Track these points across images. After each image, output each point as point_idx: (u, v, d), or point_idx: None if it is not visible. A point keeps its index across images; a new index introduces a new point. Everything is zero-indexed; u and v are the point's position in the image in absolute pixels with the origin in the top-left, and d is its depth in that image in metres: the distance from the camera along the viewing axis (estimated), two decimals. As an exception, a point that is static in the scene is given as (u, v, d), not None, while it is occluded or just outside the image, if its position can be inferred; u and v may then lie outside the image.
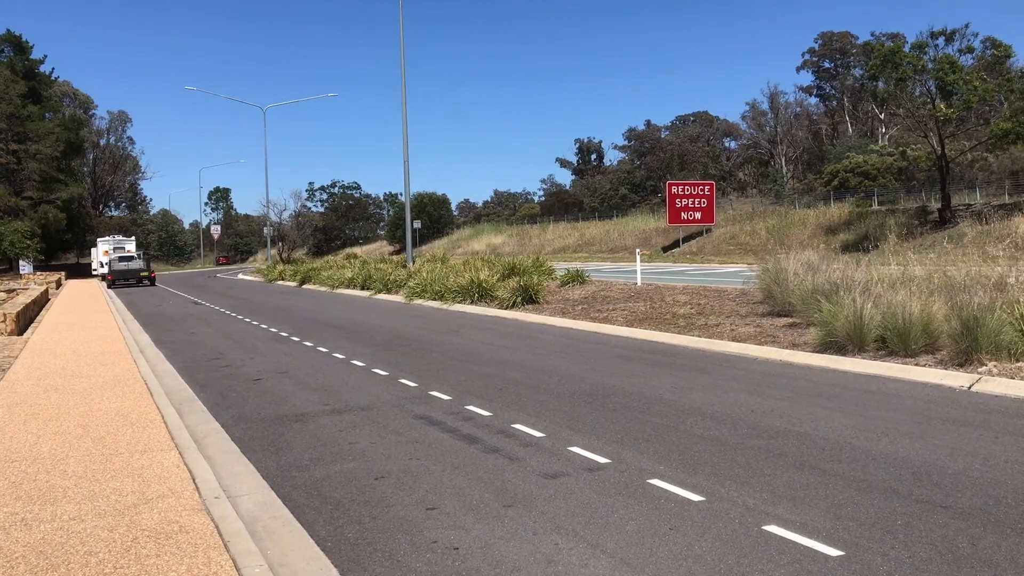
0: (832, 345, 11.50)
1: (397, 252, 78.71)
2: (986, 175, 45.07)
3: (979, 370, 9.53)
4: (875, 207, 40.50)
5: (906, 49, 29.44)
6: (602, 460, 6.87)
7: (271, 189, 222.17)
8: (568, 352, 13.47)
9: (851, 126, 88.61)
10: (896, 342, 10.65)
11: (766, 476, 6.25)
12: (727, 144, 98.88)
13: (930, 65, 29.42)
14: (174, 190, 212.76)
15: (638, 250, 25.70)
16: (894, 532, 5.00)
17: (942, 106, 28.70)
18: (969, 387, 9.12)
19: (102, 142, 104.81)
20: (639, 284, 22.89)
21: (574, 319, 17.82)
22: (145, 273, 50.39)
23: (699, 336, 13.99)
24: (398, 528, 5.51)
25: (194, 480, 6.56)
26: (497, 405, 9.32)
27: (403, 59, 34.98)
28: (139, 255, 54.83)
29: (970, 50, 29.93)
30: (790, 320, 14.22)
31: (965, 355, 9.77)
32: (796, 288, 14.23)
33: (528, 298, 20.85)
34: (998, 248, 21.62)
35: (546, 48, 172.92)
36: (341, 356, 14.05)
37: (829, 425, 7.76)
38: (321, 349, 15.12)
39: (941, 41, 29.98)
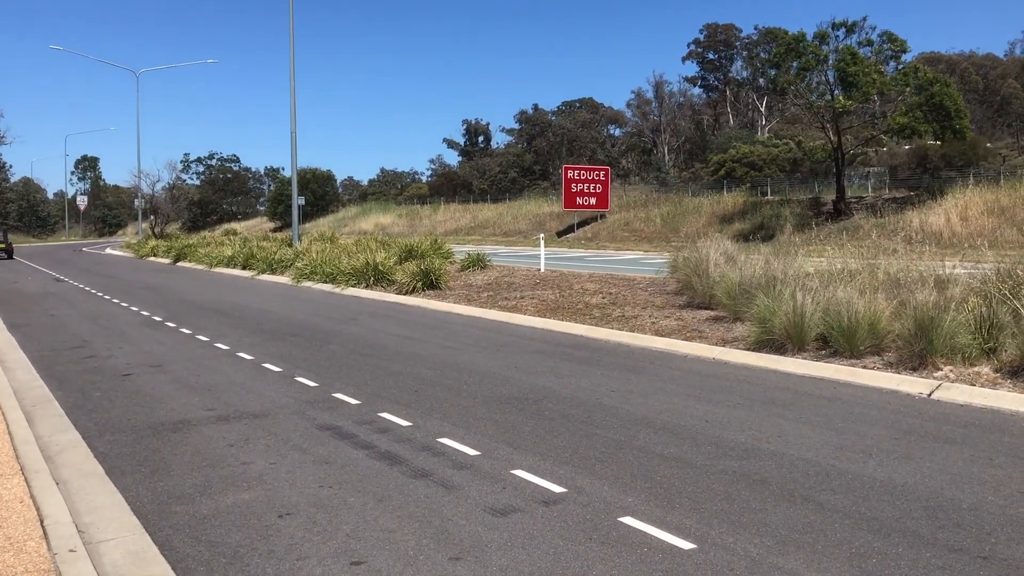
0: (769, 343, 10.74)
1: (278, 229, 75.69)
2: (865, 170, 46.30)
3: (935, 375, 8.89)
4: (768, 197, 40.86)
5: (809, 39, 29.50)
6: (556, 489, 5.76)
7: (144, 159, 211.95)
8: (482, 345, 12.32)
9: (732, 117, 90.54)
10: (841, 342, 9.95)
11: (755, 512, 5.27)
12: (612, 131, 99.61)
13: (832, 56, 29.61)
14: (37, 157, 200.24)
15: (542, 235, 24.74)
16: (942, 596, 4.08)
17: (841, 97, 28.89)
18: (929, 394, 8.45)
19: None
20: (543, 270, 21.92)
21: (481, 307, 16.67)
22: (2, 246, 46.35)
23: (619, 329, 13.08)
24: (318, 595, 4.26)
25: (42, 522, 5.09)
26: (415, 412, 8.09)
27: (292, 17, 32.73)
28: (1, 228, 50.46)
29: (869, 43, 30.19)
30: (712, 313, 13.47)
31: (919, 358, 9.12)
32: (720, 280, 13.49)
33: (429, 283, 19.57)
34: (895, 241, 21.69)
35: (434, 25, 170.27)
36: (225, 347, 12.48)
37: (800, 441, 6.87)
38: (201, 338, 13.48)
39: (842, 32, 30.17)
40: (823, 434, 7.10)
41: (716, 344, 11.51)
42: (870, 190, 38.25)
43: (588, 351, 11.70)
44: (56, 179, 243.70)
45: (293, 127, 32.02)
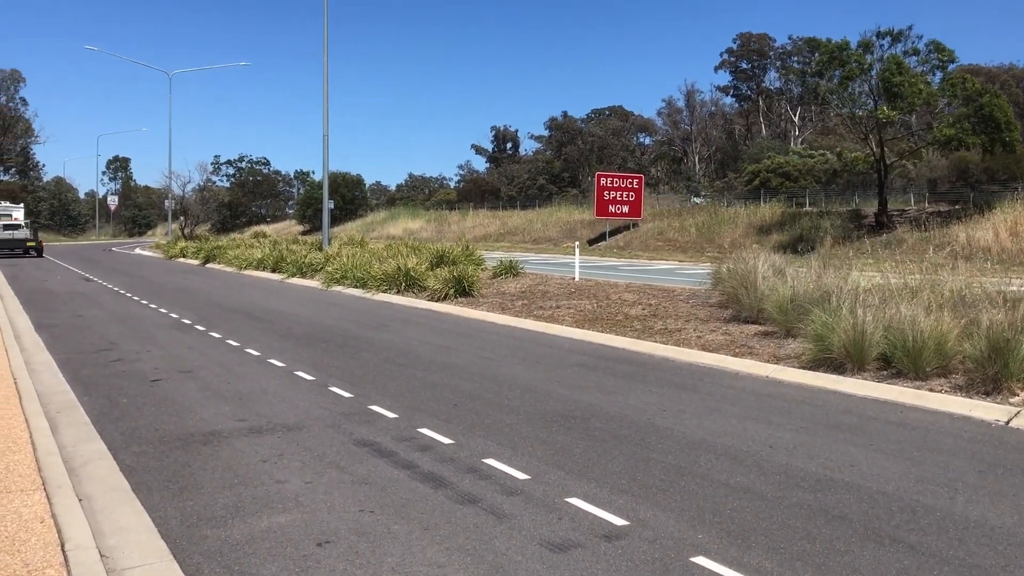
0: (826, 362, 10.18)
1: (307, 233, 75.67)
2: (904, 182, 45.38)
3: (1011, 400, 8.31)
4: (807, 208, 40.05)
5: (852, 47, 28.74)
6: (617, 521, 5.28)
7: (175, 161, 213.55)
8: (520, 357, 11.85)
9: (765, 127, 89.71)
10: (905, 363, 9.38)
11: (841, 554, 4.77)
12: (641, 140, 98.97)
13: (877, 66, 28.86)
14: (70, 157, 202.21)
15: (576, 244, 24.26)
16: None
17: (884, 108, 28.15)
18: (1007, 422, 7.88)
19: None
20: (577, 279, 21.43)
21: (515, 316, 16.21)
22: (32, 243, 46.50)
23: (663, 343, 12.56)
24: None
25: (63, 546, 4.69)
26: (457, 429, 7.64)
27: (326, 16, 32.53)
28: (26, 224, 50.56)
29: (915, 52, 29.44)
30: (761, 328, 12.92)
31: (993, 382, 8.54)
32: (769, 293, 12.94)
33: (462, 290, 19.14)
34: (941, 256, 20.99)
35: (464, 32, 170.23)
36: (255, 352, 12.11)
37: (876, 472, 6.34)
38: (231, 343, 13.12)
39: (887, 42, 29.45)
40: (899, 464, 6.56)
41: (768, 361, 10.98)
42: (912, 203, 37.36)
43: (632, 365, 11.19)
44: (88, 179, 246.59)
45: (325, 130, 31.79)
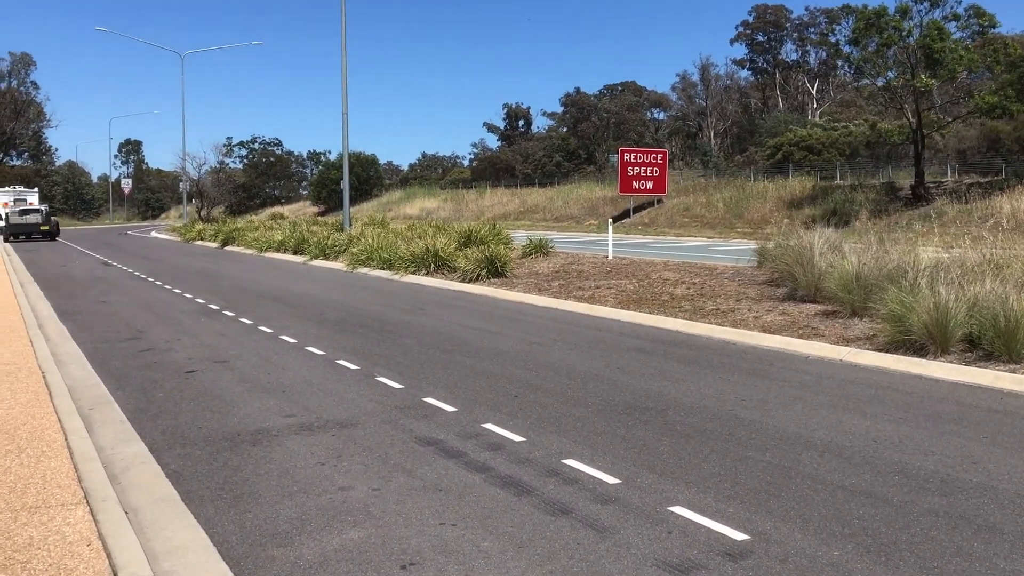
0: (904, 344, 9.51)
1: (322, 214, 75.07)
2: (930, 153, 44.32)
3: (1124, 386, 7.63)
4: (837, 182, 39.09)
5: (890, 13, 27.72)
6: (736, 535, 4.65)
7: (188, 142, 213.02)
8: (571, 341, 11.22)
9: (782, 100, 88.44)
10: (996, 344, 8.71)
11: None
12: (655, 115, 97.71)
13: (916, 32, 27.82)
14: (82, 141, 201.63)
15: (609, 221, 23.56)
16: None
17: (923, 76, 27.17)
18: (1125, 409, 7.20)
19: (2, 85, 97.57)
20: (611, 257, 20.77)
21: (554, 297, 15.57)
22: (46, 228, 46.20)
23: (718, 324, 11.90)
24: None
25: (116, 575, 4.10)
26: (524, 424, 7.02)
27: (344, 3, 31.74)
28: (44, 209, 50.38)
29: (955, 17, 28.36)
30: (821, 307, 12.25)
31: (1102, 366, 7.86)
32: (829, 270, 12.26)
33: (494, 271, 18.50)
34: (984, 230, 20.18)
35: (474, 9, 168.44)
36: (291, 340, 11.52)
37: (1005, 471, 5.69)
38: (264, 329, 12.54)
39: (925, 6, 28.36)
40: (1027, 461, 5.91)
41: (836, 343, 10.31)
42: (949, 174, 36.36)
43: (692, 349, 10.55)
44: (99, 162, 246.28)
45: (344, 107, 31.05)
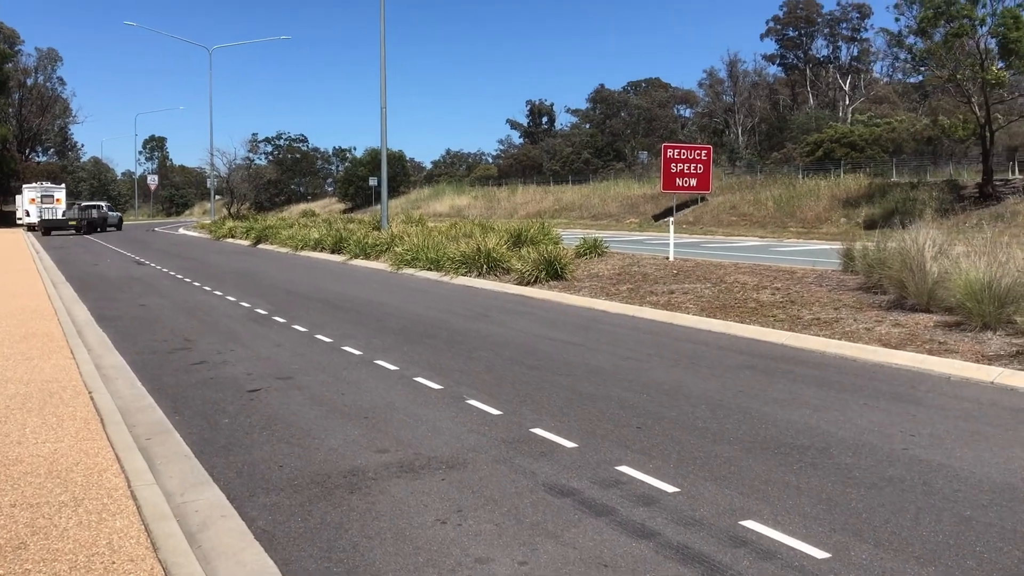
0: (1066, 365, 8.30)
1: (349, 210, 74.31)
2: (978, 151, 42.74)
3: None
4: (894, 179, 37.61)
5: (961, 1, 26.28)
6: (1034, 648, 3.50)
7: (214, 138, 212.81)
8: (668, 356, 10.06)
9: (812, 97, 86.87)
10: None
11: None
12: (681, 112, 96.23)
13: (990, 20, 26.43)
14: (107, 137, 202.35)
15: (671, 219, 22.38)
16: None
17: (995, 68, 25.78)
18: None
19: (28, 81, 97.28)
20: (672, 259, 19.62)
21: (627, 303, 14.40)
22: (73, 223, 46.23)
23: (826, 337, 10.70)
24: None
25: None
26: (667, 467, 5.88)
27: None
28: (105, 206, 51.84)
29: (1034, 4, 26.95)
30: (938, 318, 11.03)
31: None
32: (947, 277, 11.04)
33: (553, 273, 17.37)
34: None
35: (496, 6, 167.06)
36: (356, 351, 10.44)
37: None
38: (321, 338, 11.47)
39: (995, -8, 26.92)
40: None
41: (975, 361, 9.10)
42: (1016, 171, 34.82)
43: (811, 367, 9.36)
44: (124, 158, 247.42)
45: (383, 100, 30.03)
